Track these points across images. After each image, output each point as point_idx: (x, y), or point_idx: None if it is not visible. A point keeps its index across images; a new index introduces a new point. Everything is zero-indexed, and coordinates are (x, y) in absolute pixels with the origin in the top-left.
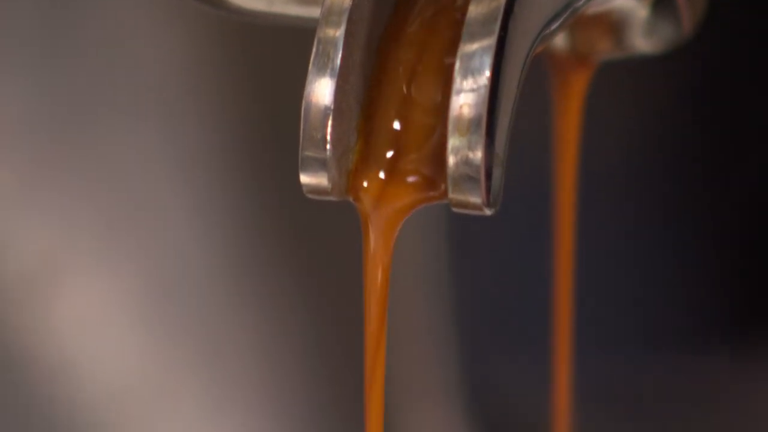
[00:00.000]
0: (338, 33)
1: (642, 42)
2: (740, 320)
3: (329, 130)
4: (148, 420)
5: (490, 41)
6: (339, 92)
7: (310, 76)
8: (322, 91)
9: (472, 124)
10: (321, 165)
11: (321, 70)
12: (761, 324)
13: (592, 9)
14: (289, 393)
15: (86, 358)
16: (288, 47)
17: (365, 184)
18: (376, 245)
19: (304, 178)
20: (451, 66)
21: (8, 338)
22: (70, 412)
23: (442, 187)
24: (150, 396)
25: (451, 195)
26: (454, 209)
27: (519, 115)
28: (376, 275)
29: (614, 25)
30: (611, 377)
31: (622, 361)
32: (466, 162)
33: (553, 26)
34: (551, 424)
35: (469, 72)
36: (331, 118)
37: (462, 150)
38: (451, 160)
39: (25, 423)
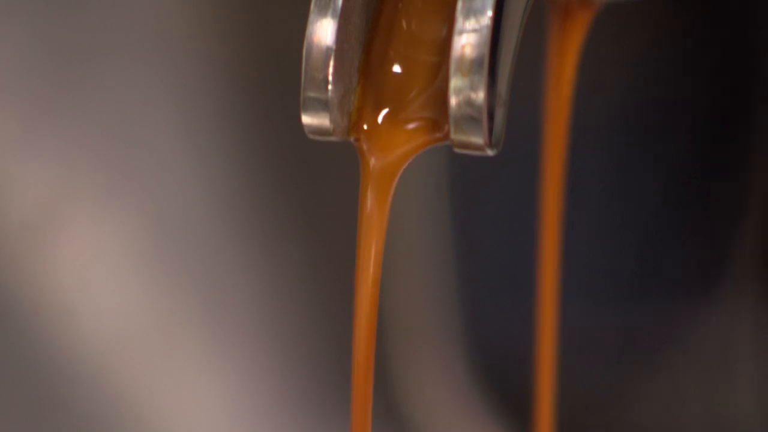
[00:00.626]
0: None
1: None
2: (726, 268)
3: (331, 70)
4: (151, 365)
5: None
6: (341, 32)
7: (311, 17)
8: (323, 31)
9: (475, 64)
10: (323, 106)
11: (323, 11)
12: (746, 272)
13: None
14: (290, 335)
15: (88, 304)
16: None
17: (366, 125)
18: (376, 187)
19: (306, 119)
20: (454, 7)
21: (10, 286)
22: (73, 359)
23: (445, 128)
24: (152, 341)
25: (453, 136)
26: (456, 150)
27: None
28: (373, 217)
29: None
30: (598, 325)
31: (609, 309)
32: (469, 103)
33: None
34: (536, 372)
35: (472, 12)
36: (332, 58)
37: (464, 91)
38: (453, 100)
39: (27, 371)
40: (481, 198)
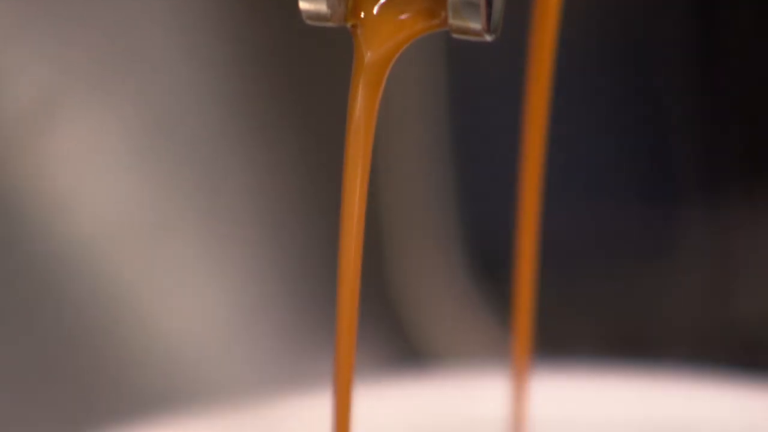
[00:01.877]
0: None
1: None
2: (714, 169)
3: None
4: (147, 254)
5: None
6: None
7: None
8: None
9: None
10: None
11: None
12: (735, 172)
13: None
14: (285, 224)
15: (84, 194)
16: None
17: (363, 11)
18: (370, 75)
19: (304, 5)
20: None
21: (6, 178)
22: (69, 249)
23: (442, 14)
24: (148, 231)
25: (451, 21)
26: (454, 35)
27: None
28: (363, 108)
29: None
30: (583, 230)
31: (591, 213)
32: None
33: None
34: (516, 274)
35: None
36: None
37: None
38: None
39: (23, 260)
40: (483, 85)
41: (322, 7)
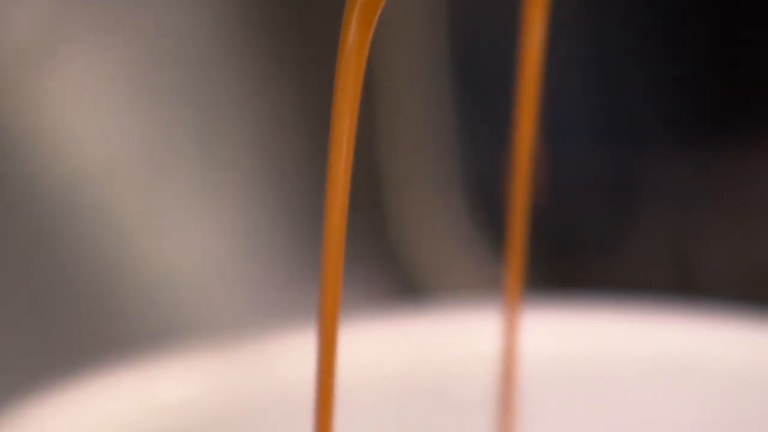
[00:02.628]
0: None
1: None
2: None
3: None
4: (145, 192)
5: None
6: None
7: None
8: None
9: None
10: None
11: None
12: (731, 111)
13: None
14: (285, 156)
15: (84, 131)
16: None
17: None
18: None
19: None
20: None
21: (4, 112)
22: (67, 184)
23: None
24: (148, 166)
25: None
26: None
27: None
28: (357, 35)
29: None
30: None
31: (584, 150)
32: None
33: None
34: (509, 208)
35: None
36: None
37: None
38: None
39: (21, 197)
40: (483, 12)
41: None
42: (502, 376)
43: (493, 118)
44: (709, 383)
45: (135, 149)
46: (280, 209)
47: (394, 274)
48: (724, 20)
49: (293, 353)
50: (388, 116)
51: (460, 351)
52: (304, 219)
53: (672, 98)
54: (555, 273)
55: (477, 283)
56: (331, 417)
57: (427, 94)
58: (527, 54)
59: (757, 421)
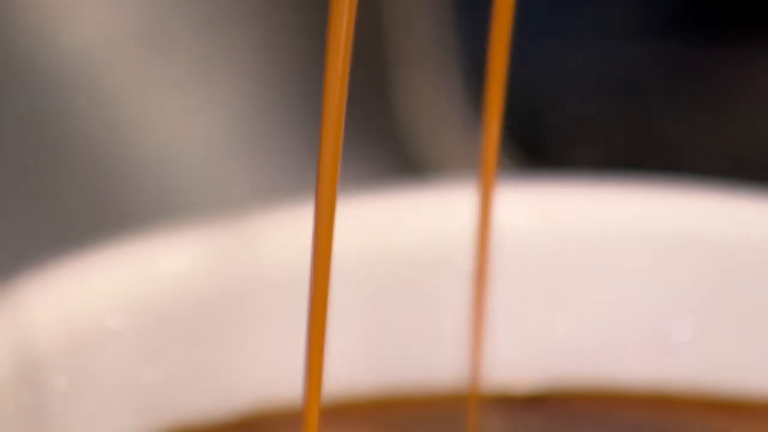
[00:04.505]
0: None
1: None
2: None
3: None
4: (145, 66)
5: None
6: None
7: None
8: None
9: None
10: None
11: None
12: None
13: None
14: (284, 41)
15: (83, 5)
16: None
17: None
18: None
19: None
20: None
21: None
22: (67, 60)
23: None
24: (146, 49)
25: None
26: None
27: None
28: None
29: None
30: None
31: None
32: None
33: None
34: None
35: None
36: None
37: None
38: None
39: (21, 71)
40: None
41: None
42: (476, 249)
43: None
44: (693, 255)
45: (136, 22)
46: (280, 87)
47: (394, 152)
48: None
49: (292, 230)
50: None
51: (438, 226)
52: (305, 95)
53: None
54: (541, 158)
55: (472, 161)
56: (327, 293)
57: None
58: None
59: (748, 289)
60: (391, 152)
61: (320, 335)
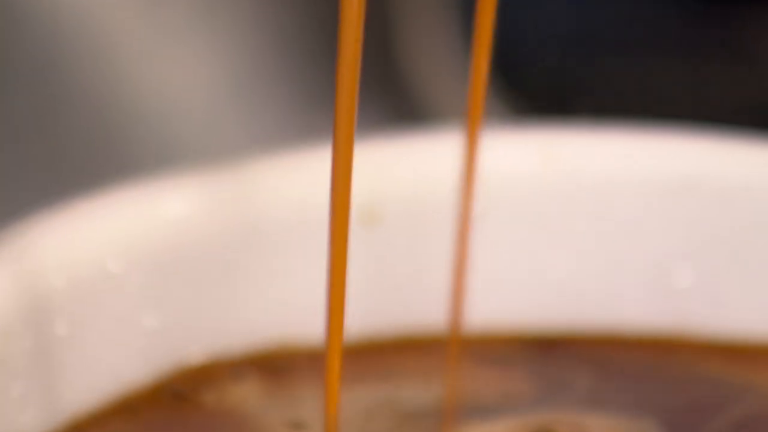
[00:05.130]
0: None
1: None
2: None
3: None
4: (145, 19)
5: None
6: None
7: None
8: None
9: None
10: None
11: None
12: None
13: None
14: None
15: None
16: None
17: None
18: None
19: None
20: None
21: None
22: (70, 9)
23: None
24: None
25: None
26: None
27: None
28: None
29: None
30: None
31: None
32: None
33: None
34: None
35: None
36: None
37: None
38: None
39: (20, 29)
40: None
41: None
42: (461, 194)
43: None
44: (694, 199)
45: None
46: (279, 33)
47: (396, 101)
48: None
49: (292, 175)
50: None
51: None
52: (305, 40)
53: None
54: (545, 108)
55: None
56: (347, 236)
57: None
58: None
59: (749, 234)
60: (394, 102)
61: (341, 278)
